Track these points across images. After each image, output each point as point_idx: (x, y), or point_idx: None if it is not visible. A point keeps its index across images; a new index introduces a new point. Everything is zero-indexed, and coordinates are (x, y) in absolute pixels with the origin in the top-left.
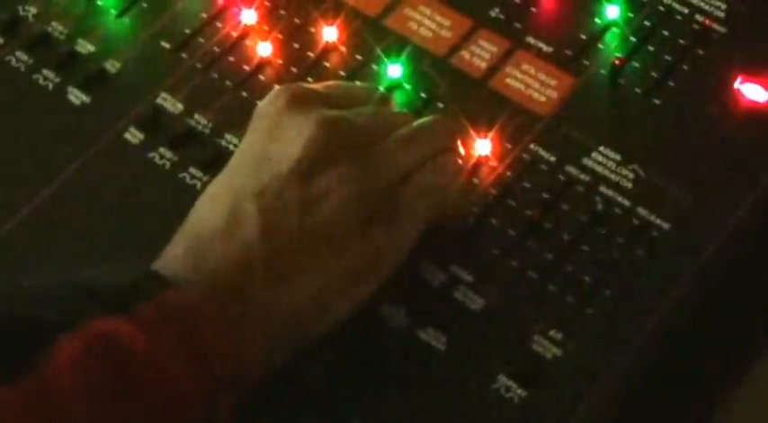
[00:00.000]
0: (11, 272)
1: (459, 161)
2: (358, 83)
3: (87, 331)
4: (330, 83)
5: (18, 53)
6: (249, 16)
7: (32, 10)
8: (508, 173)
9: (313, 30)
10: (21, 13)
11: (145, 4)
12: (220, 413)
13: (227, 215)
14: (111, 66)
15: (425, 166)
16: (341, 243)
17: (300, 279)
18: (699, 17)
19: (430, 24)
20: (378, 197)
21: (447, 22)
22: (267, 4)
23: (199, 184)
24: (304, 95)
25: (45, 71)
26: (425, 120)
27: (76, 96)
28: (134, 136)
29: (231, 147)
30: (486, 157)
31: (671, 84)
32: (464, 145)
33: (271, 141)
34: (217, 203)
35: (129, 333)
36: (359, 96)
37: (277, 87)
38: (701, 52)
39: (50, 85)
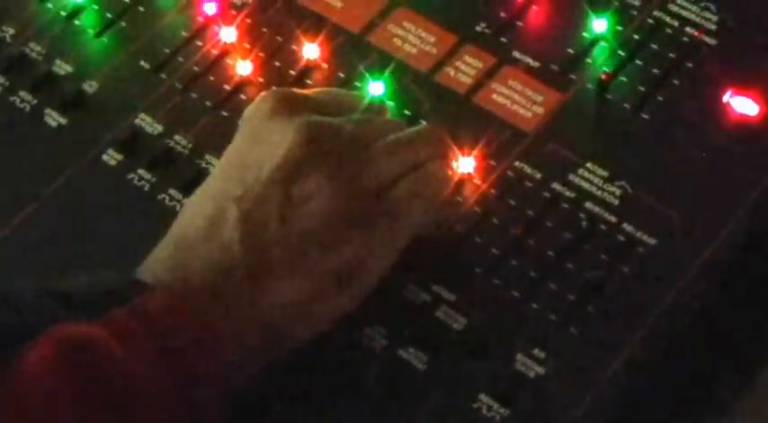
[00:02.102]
0: None
1: (448, 170)
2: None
3: (59, 336)
4: (321, 89)
5: None
6: (229, 34)
7: (10, 30)
8: (492, 190)
9: (294, 47)
10: None
11: (124, 24)
12: (202, 413)
13: (210, 219)
14: (89, 87)
15: (412, 174)
16: (322, 247)
17: (280, 282)
18: (689, 30)
19: (414, 40)
20: (361, 203)
21: (432, 38)
22: (248, 21)
23: (178, 207)
24: (291, 100)
25: (22, 93)
26: (415, 128)
27: (54, 118)
28: (112, 158)
29: (211, 168)
30: (470, 174)
31: (660, 98)
32: (450, 159)
33: (255, 145)
34: (201, 207)
35: (103, 337)
36: (349, 103)
37: (264, 92)
38: (690, 65)
39: (27, 108)
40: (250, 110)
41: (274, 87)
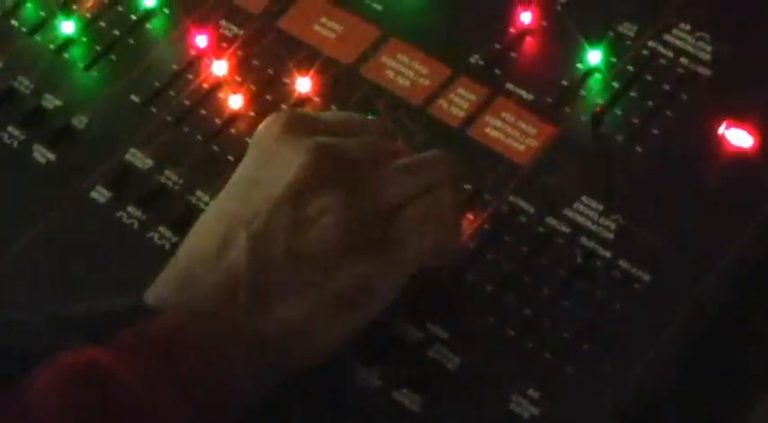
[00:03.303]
0: None
1: (457, 196)
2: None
3: (66, 360)
4: (332, 112)
5: None
6: (220, 68)
7: None
8: (486, 225)
9: (286, 80)
10: None
11: (113, 57)
12: None
13: (217, 241)
14: (79, 121)
15: (421, 199)
16: (328, 270)
17: (286, 305)
18: (683, 61)
19: (407, 72)
20: (368, 225)
21: (425, 70)
22: (239, 53)
23: (168, 245)
24: (301, 121)
25: (10, 128)
26: (424, 153)
27: (42, 154)
28: (101, 194)
29: (202, 205)
30: (464, 209)
31: (654, 131)
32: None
33: (264, 165)
34: (208, 230)
35: (107, 360)
36: (360, 126)
37: (275, 112)
38: (684, 97)
39: (15, 143)
40: (260, 129)
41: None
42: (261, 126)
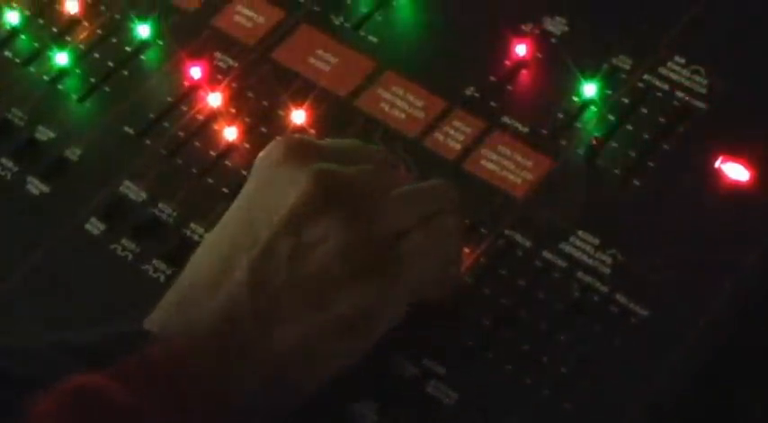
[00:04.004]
0: None
1: (457, 225)
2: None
3: (67, 386)
4: (334, 139)
5: None
6: (215, 99)
7: None
8: (482, 259)
9: (281, 112)
10: None
11: (107, 89)
12: None
13: (218, 266)
14: (72, 153)
15: (423, 226)
16: (329, 295)
17: (287, 330)
18: (679, 94)
19: (402, 105)
20: (369, 251)
21: (420, 103)
22: (234, 85)
23: (163, 277)
24: (302, 147)
25: (3, 160)
26: (427, 182)
27: (35, 186)
28: (95, 227)
29: (196, 237)
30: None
31: (650, 164)
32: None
33: (265, 192)
34: (209, 256)
35: (111, 387)
36: (361, 154)
37: (276, 138)
38: (681, 130)
39: (9, 175)
40: (261, 155)
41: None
42: (262, 152)
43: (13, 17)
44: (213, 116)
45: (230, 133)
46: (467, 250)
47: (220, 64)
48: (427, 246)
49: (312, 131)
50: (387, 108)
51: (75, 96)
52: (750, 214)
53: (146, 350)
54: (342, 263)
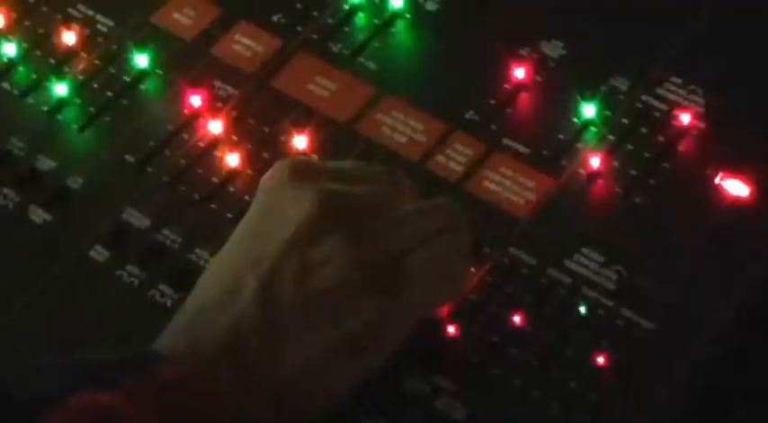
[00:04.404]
0: None
1: (462, 243)
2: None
3: (76, 405)
4: (337, 161)
5: None
6: (216, 126)
7: None
8: (488, 278)
9: (282, 138)
10: None
11: (108, 118)
12: None
13: (226, 287)
14: (74, 182)
15: (428, 245)
16: (335, 313)
17: (294, 348)
18: (677, 113)
19: (403, 129)
20: (375, 269)
21: (421, 127)
22: (234, 113)
23: (169, 302)
24: (306, 168)
25: (5, 190)
26: (431, 200)
27: (38, 215)
28: (100, 254)
29: (202, 262)
30: None
31: (652, 182)
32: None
33: (271, 213)
34: (217, 275)
35: (121, 407)
36: (365, 174)
37: (281, 159)
38: (680, 149)
39: (11, 205)
40: (266, 178)
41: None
42: (267, 173)
43: (10, 49)
44: (214, 143)
45: (232, 159)
46: (472, 269)
47: (220, 92)
48: (431, 264)
49: (314, 156)
50: (388, 132)
51: (74, 126)
52: (751, 229)
53: (157, 370)
54: (347, 282)
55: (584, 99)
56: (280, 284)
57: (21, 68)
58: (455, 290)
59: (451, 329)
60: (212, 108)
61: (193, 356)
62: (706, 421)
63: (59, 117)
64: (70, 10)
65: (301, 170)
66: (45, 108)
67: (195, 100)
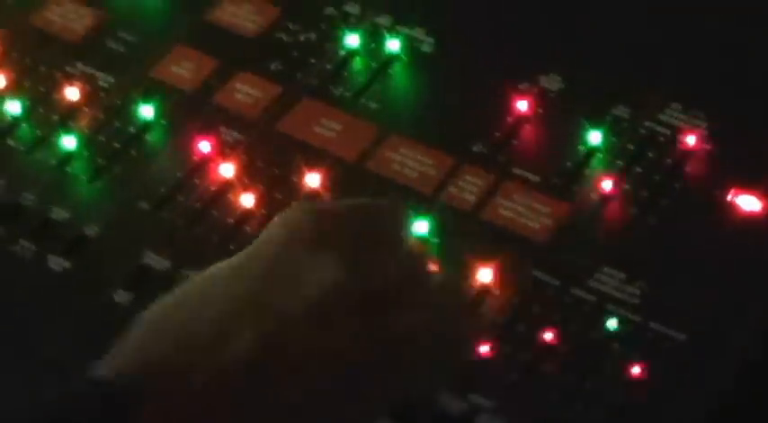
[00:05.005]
0: None
1: (468, 323)
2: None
3: None
4: (356, 202)
5: None
6: (228, 170)
7: (1, 182)
8: (514, 299)
9: (294, 179)
10: None
11: (117, 169)
12: None
13: (214, 328)
14: (90, 230)
15: (434, 330)
16: (337, 391)
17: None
18: (681, 137)
19: (412, 164)
20: (381, 352)
21: (429, 161)
22: (243, 157)
23: None
24: (332, 220)
25: (22, 241)
26: (444, 278)
27: (57, 263)
28: (123, 297)
29: None
30: (490, 286)
31: (664, 202)
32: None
33: (288, 262)
34: (209, 311)
35: None
36: (379, 214)
37: (306, 207)
38: (688, 170)
39: (29, 255)
40: (287, 217)
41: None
42: (288, 211)
43: (14, 107)
44: (227, 186)
45: (247, 200)
46: (496, 292)
47: (227, 138)
48: (437, 349)
49: (327, 195)
50: (398, 168)
51: (84, 178)
52: (765, 241)
53: (137, 412)
54: (355, 366)
55: (592, 125)
56: (280, 353)
57: (24, 125)
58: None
59: (485, 349)
60: (221, 153)
61: (175, 396)
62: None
63: (68, 170)
64: (69, 68)
65: (327, 221)
66: (53, 161)
67: (204, 146)
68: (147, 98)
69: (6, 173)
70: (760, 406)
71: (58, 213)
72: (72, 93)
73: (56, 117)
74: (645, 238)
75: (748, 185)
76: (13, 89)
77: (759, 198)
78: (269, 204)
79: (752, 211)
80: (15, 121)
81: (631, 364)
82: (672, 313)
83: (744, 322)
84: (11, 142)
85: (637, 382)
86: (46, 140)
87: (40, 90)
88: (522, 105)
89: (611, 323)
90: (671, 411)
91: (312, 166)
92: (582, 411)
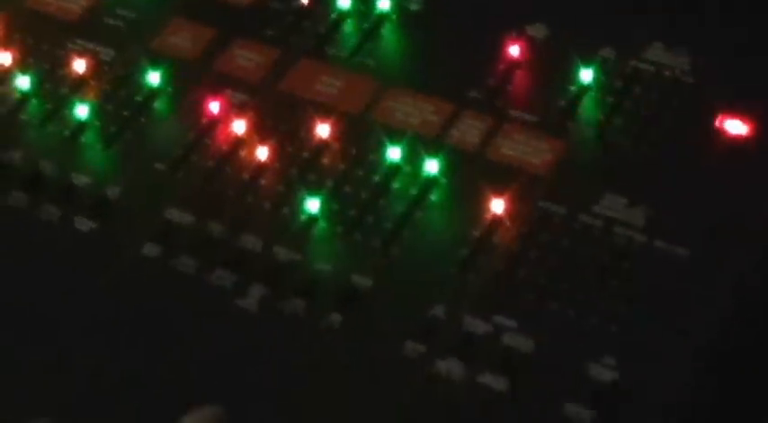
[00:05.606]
0: None
1: None
2: None
3: None
4: None
5: (15, 193)
6: (240, 127)
7: (16, 154)
8: (524, 229)
9: (302, 133)
10: (5, 160)
11: (129, 136)
12: None
13: None
14: (112, 192)
15: None
16: None
17: None
18: (666, 73)
19: (414, 112)
20: None
21: (431, 108)
22: (251, 115)
23: (228, 284)
24: None
25: (46, 206)
26: None
27: (84, 224)
28: (152, 250)
29: (249, 246)
30: (501, 217)
31: (655, 133)
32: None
33: None
34: None
35: None
36: None
37: None
38: (676, 102)
39: (55, 219)
40: None
41: None
42: None
43: (23, 82)
44: (238, 144)
45: (262, 153)
46: (507, 223)
47: (233, 100)
48: None
49: (336, 145)
50: (402, 116)
51: (99, 146)
52: (753, 162)
53: None
54: None
55: (581, 65)
56: None
57: (34, 101)
58: None
59: (504, 271)
60: (230, 114)
61: None
62: (750, 339)
63: (82, 139)
64: (70, 45)
65: None
66: (66, 133)
67: (214, 106)
68: (153, 66)
69: (21, 145)
70: (759, 314)
71: (79, 179)
72: (80, 65)
73: (64, 90)
74: (639, 167)
75: (734, 111)
76: (20, 66)
77: (745, 122)
78: (281, 158)
79: (739, 135)
80: (25, 96)
81: (640, 278)
82: (675, 232)
83: (741, 237)
84: (23, 117)
85: (645, 294)
86: (57, 113)
87: (45, 67)
88: (514, 51)
89: (618, 244)
90: (679, 321)
91: (318, 119)
92: (596, 325)
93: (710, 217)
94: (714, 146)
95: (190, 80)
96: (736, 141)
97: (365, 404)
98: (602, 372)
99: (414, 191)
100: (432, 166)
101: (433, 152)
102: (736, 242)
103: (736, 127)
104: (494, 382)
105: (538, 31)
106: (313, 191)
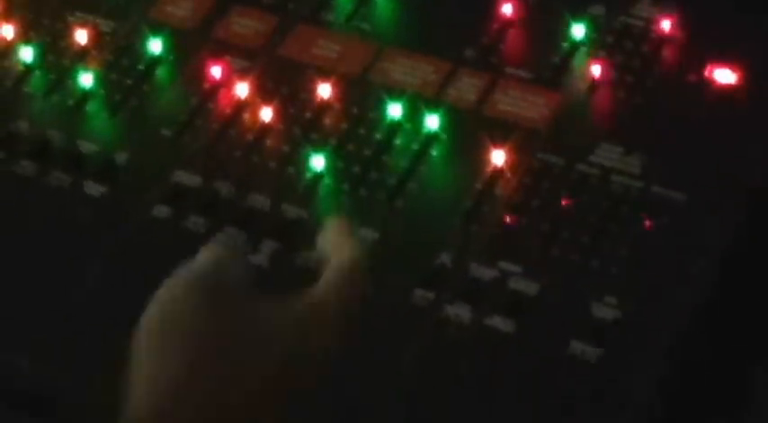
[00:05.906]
0: None
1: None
2: None
3: None
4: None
5: (23, 162)
6: (243, 90)
7: (23, 124)
8: (525, 179)
9: (303, 95)
10: (12, 130)
11: (134, 104)
12: None
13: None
14: (120, 158)
15: None
16: None
17: None
18: (654, 27)
19: (412, 72)
20: None
21: (429, 67)
22: (253, 79)
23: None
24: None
25: (55, 173)
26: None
27: (94, 189)
28: (162, 211)
29: (258, 205)
30: (502, 169)
31: (648, 83)
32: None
33: None
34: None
35: None
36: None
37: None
38: (666, 54)
39: (65, 184)
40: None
41: None
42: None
43: (26, 54)
44: (241, 107)
45: (266, 114)
46: (508, 175)
47: (234, 65)
48: None
49: (337, 105)
50: (400, 77)
51: (104, 114)
52: (742, 109)
53: None
54: None
55: (572, 21)
56: None
57: (37, 73)
58: None
59: (507, 220)
60: (232, 78)
61: None
62: (743, 282)
63: (87, 108)
64: (70, 18)
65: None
66: (71, 102)
67: (216, 71)
68: (154, 34)
69: (27, 116)
70: (755, 254)
71: (86, 146)
72: (81, 35)
73: (66, 62)
74: (634, 116)
75: (722, 61)
76: (22, 39)
77: (733, 70)
78: (284, 118)
79: (728, 83)
80: (28, 68)
81: (639, 223)
82: (670, 177)
83: (734, 180)
84: (27, 89)
85: (645, 236)
86: (61, 83)
87: (47, 39)
88: (508, 9)
89: (616, 190)
90: (676, 261)
91: (318, 81)
92: (597, 268)
93: (703, 163)
94: (705, 94)
95: (190, 48)
96: (726, 90)
97: (377, 351)
98: (605, 311)
99: (415, 147)
100: (432, 122)
101: (433, 108)
102: (729, 187)
103: (725, 76)
104: (501, 324)
105: None
106: (318, 148)
